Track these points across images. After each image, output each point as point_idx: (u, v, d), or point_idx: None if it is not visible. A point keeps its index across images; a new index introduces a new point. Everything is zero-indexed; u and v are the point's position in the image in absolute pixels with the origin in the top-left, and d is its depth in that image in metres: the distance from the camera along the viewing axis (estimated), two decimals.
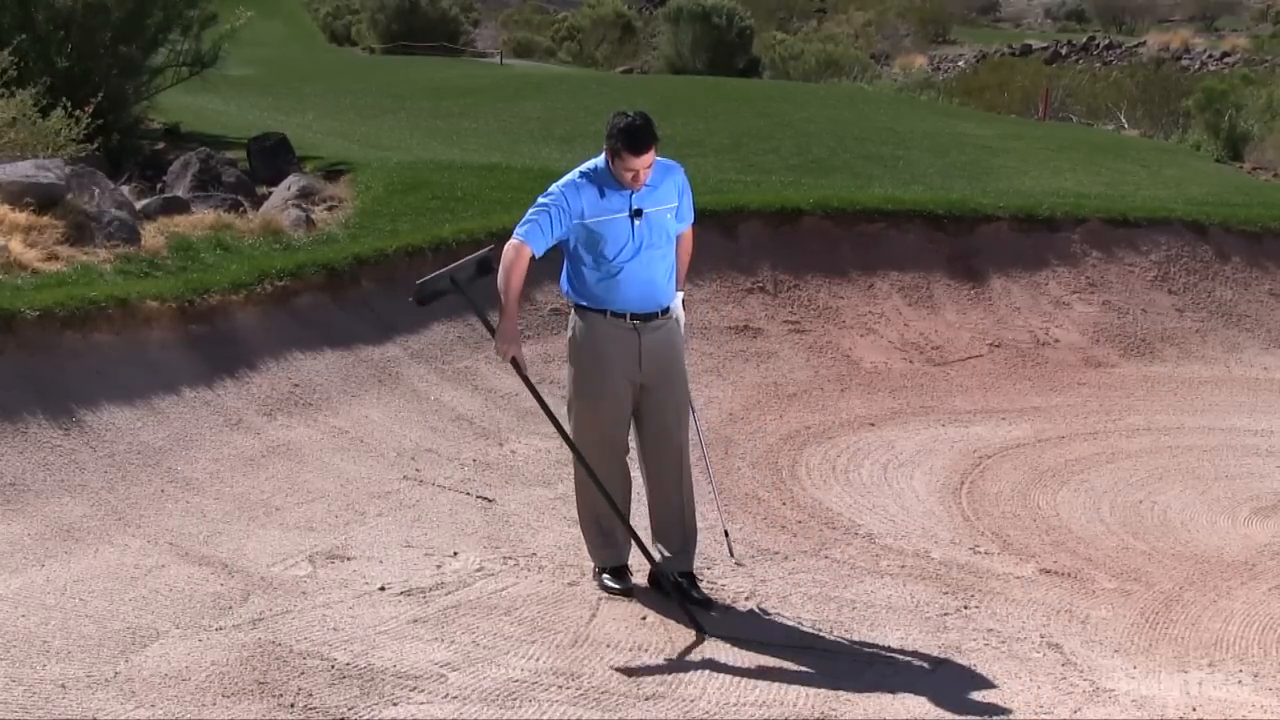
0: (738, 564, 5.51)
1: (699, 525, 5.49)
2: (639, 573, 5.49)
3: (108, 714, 4.31)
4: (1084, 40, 39.04)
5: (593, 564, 5.53)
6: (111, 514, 5.92)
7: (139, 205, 9.17)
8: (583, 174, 5.17)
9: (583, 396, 5.30)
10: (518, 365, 5.14)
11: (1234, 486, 7.17)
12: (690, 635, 5.04)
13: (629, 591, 5.37)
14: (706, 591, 5.40)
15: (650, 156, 5.09)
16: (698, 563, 5.65)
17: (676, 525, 5.38)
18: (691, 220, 5.46)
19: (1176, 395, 9.13)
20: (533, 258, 5.13)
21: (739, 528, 6.24)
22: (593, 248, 5.16)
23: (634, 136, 5.03)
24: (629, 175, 5.09)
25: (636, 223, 5.14)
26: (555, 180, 5.25)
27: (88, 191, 8.67)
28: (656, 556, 5.36)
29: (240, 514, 6.12)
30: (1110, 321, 10.23)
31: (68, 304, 6.88)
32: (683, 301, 5.43)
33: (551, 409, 5.32)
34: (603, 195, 5.13)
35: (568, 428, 5.34)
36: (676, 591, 5.29)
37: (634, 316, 5.20)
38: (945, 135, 17.00)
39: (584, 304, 5.25)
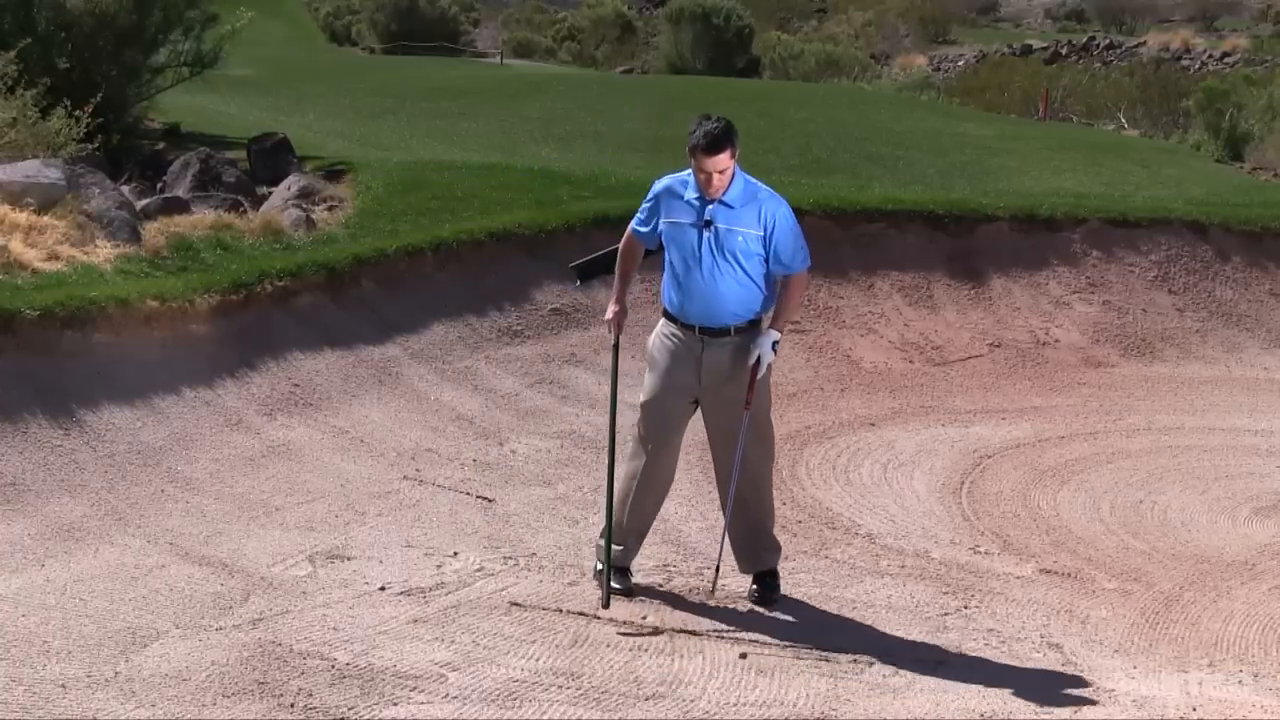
0: (709, 596, 5.41)
1: (701, 526, 5.49)
2: (638, 573, 5.50)
3: (108, 714, 4.31)
4: (1084, 40, 38.96)
5: (596, 561, 5.53)
6: (111, 514, 5.93)
7: (139, 205, 9.16)
8: (679, 176, 5.33)
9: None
10: (609, 328, 5.52)
11: (1234, 486, 7.18)
12: (691, 636, 5.05)
13: (629, 592, 5.37)
14: (703, 596, 5.42)
15: (723, 160, 5.12)
16: (698, 561, 5.68)
17: (740, 531, 5.45)
18: (801, 267, 5.34)
19: (1176, 395, 9.13)
20: (648, 250, 5.50)
21: None
22: (669, 252, 5.32)
23: (706, 137, 5.11)
24: (702, 177, 5.18)
25: (705, 234, 5.20)
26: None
27: (88, 191, 8.66)
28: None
29: (240, 514, 6.12)
30: (1110, 321, 10.24)
31: (68, 304, 6.89)
32: (774, 344, 5.30)
33: (618, 394, 5.56)
34: (683, 200, 5.26)
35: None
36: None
37: (702, 330, 5.27)
38: (945, 135, 16.99)
39: (664, 308, 5.41)
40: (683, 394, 5.32)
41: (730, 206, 5.19)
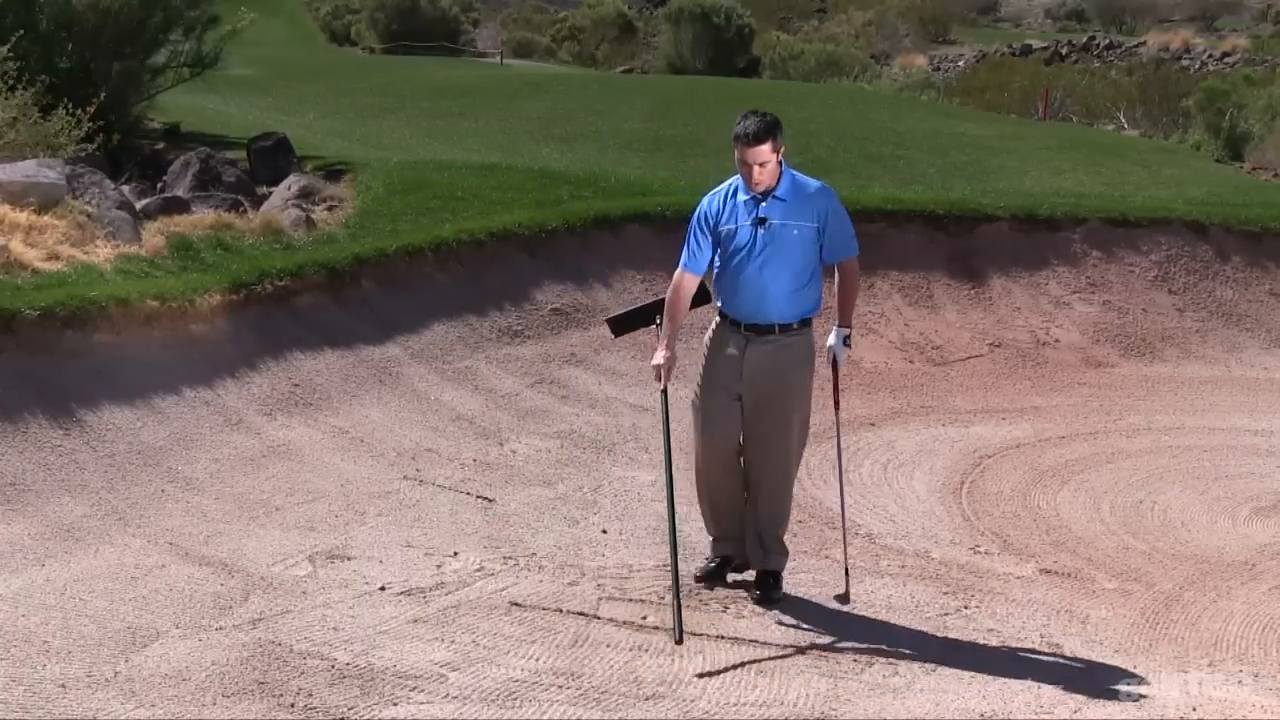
0: (842, 603, 5.44)
1: (701, 525, 5.50)
2: (638, 573, 5.49)
3: (108, 714, 4.31)
4: (1084, 40, 38.99)
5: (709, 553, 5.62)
6: (112, 514, 5.93)
7: (139, 205, 9.16)
8: (722, 187, 5.36)
9: (698, 394, 5.46)
10: (657, 374, 5.37)
11: (1234, 486, 7.18)
12: (691, 636, 5.04)
13: (711, 580, 5.47)
14: (703, 595, 5.41)
15: (764, 152, 5.17)
16: (698, 561, 5.67)
17: (751, 529, 5.50)
18: (849, 254, 5.40)
19: (1176, 395, 9.13)
20: (704, 276, 5.41)
21: None
22: (721, 250, 5.33)
23: (749, 128, 5.17)
24: (744, 170, 5.22)
25: (760, 231, 5.23)
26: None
27: (88, 191, 8.67)
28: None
29: (240, 514, 6.12)
30: (1110, 321, 10.24)
31: (68, 304, 6.89)
32: (845, 338, 5.39)
33: (670, 430, 5.47)
34: (735, 200, 5.30)
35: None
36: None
37: (747, 327, 5.29)
38: (945, 135, 16.98)
39: (718, 306, 5.44)
40: (726, 392, 5.35)
41: (783, 200, 5.25)
